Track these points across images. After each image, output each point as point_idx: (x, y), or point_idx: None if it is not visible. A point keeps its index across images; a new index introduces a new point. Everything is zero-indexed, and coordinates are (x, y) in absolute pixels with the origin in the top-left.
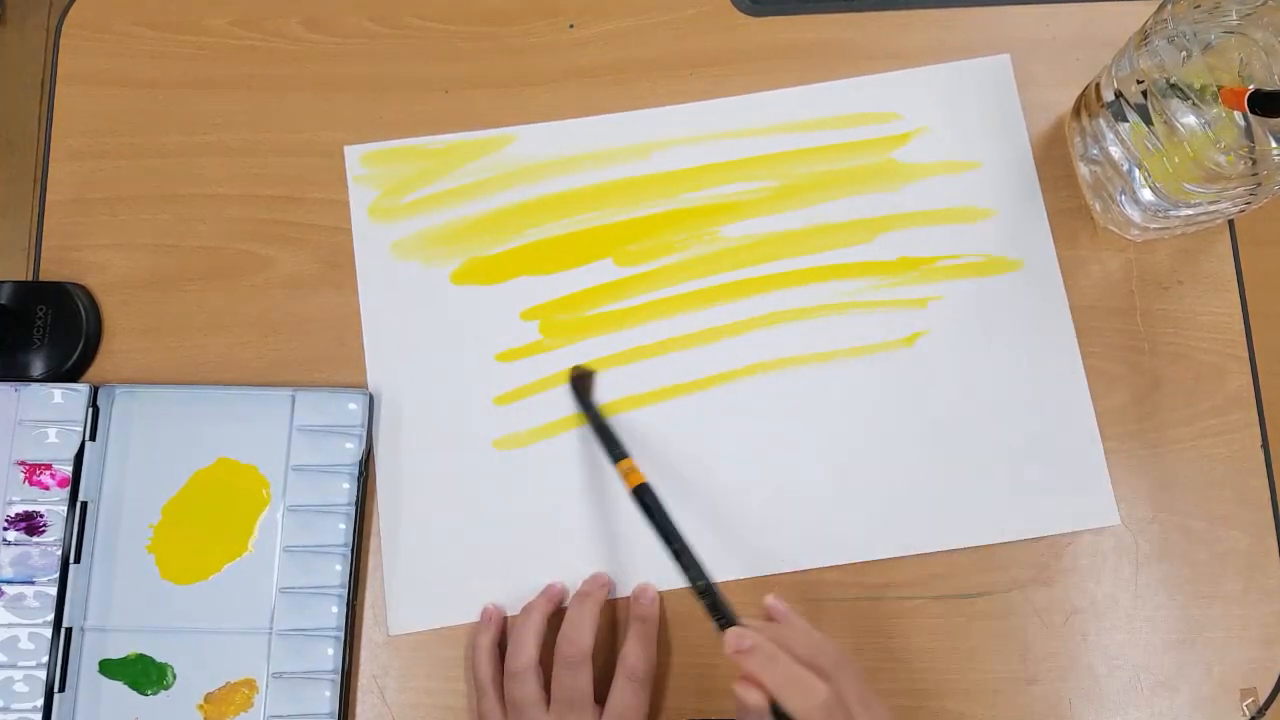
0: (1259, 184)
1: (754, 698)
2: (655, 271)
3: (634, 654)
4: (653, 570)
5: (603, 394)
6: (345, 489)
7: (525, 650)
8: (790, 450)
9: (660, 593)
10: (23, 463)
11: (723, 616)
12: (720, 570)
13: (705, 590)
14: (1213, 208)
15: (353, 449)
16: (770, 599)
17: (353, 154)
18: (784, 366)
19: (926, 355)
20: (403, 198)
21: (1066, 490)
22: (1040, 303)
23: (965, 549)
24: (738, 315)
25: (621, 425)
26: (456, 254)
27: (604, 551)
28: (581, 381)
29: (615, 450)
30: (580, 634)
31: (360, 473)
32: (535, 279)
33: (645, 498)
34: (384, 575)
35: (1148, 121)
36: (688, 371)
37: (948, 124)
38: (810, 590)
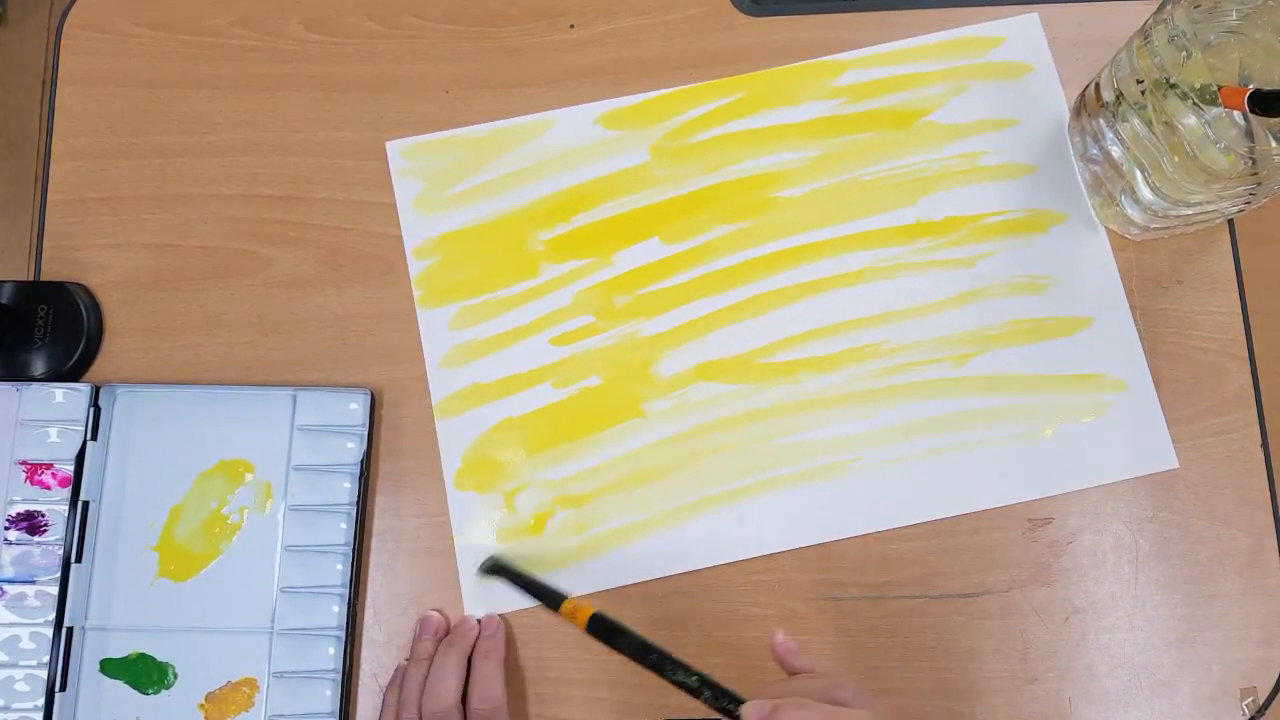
0: (1259, 184)
1: None
2: (702, 246)
3: (478, 695)
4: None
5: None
6: (346, 489)
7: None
8: (847, 415)
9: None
10: (24, 462)
11: (731, 701)
12: (780, 540)
13: (701, 686)
14: (1213, 207)
15: (354, 448)
16: (778, 637)
17: (394, 148)
18: (835, 333)
19: (978, 313)
20: (448, 189)
21: (1124, 437)
22: (1087, 252)
23: (965, 547)
24: (785, 284)
25: (676, 400)
26: (507, 245)
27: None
28: (494, 566)
29: (553, 598)
30: (447, 688)
31: (361, 472)
32: (585, 262)
33: (600, 626)
34: (456, 554)
35: (1148, 121)
36: (740, 343)
37: (981, 83)
38: (810, 590)
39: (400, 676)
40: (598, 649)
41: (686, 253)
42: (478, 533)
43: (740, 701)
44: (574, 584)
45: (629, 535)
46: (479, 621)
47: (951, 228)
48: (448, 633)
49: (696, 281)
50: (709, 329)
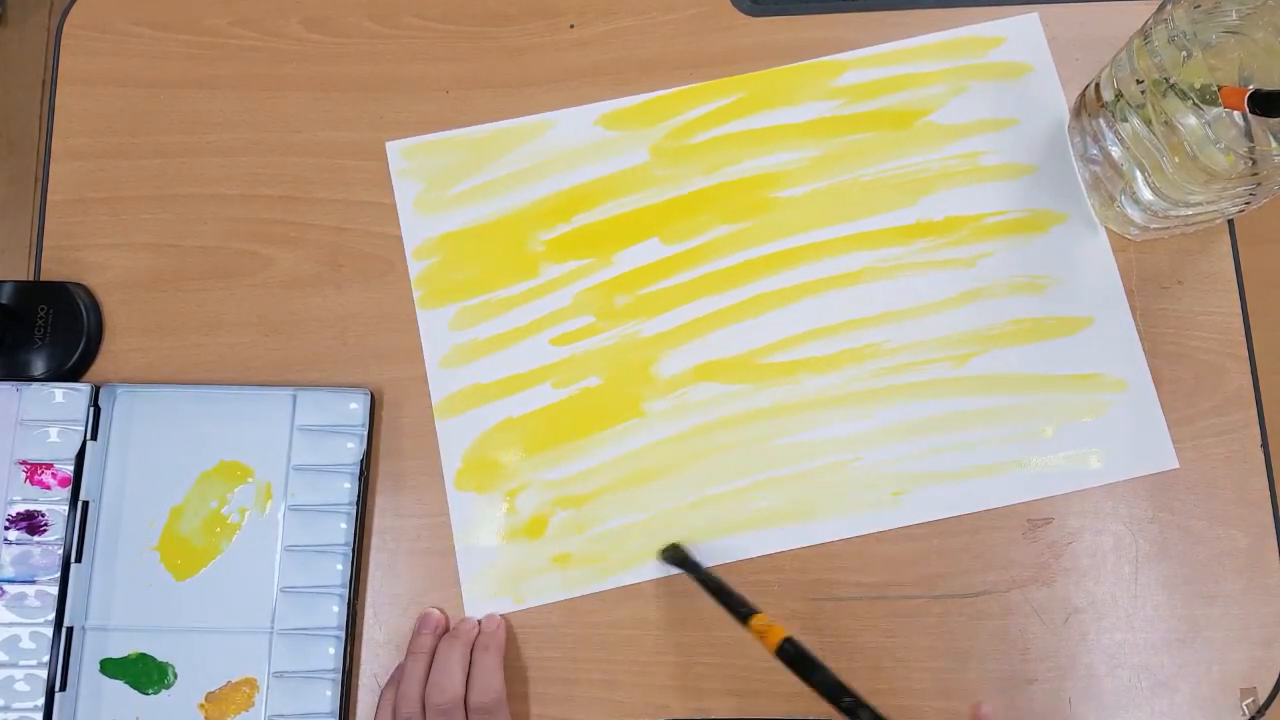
0: (1259, 184)
1: None
2: (702, 247)
3: (478, 688)
4: None
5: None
6: (346, 488)
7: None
8: (847, 415)
9: (656, 581)
10: (24, 462)
11: None
12: (785, 540)
13: None
14: (1213, 208)
15: (354, 448)
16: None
17: (394, 148)
18: (835, 333)
19: (978, 313)
20: (449, 190)
21: (1124, 437)
22: (1087, 252)
23: (965, 547)
24: (785, 284)
25: (676, 400)
26: (507, 245)
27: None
28: (677, 556)
29: (741, 610)
30: (452, 680)
31: (361, 472)
32: (585, 262)
33: (794, 653)
34: (457, 556)
35: (1148, 121)
36: (740, 343)
37: (982, 83)
38: (810, 590)
39: (399, 674)
40: (598, 649)
41: (686, 253)
42: (478, 533)
43: None
44: (575, 584)
45: (629, 535)
46: (479, 621)
47: (952, 228)
48: (447, 629)
49: (696, 282)
50: (709, 329)
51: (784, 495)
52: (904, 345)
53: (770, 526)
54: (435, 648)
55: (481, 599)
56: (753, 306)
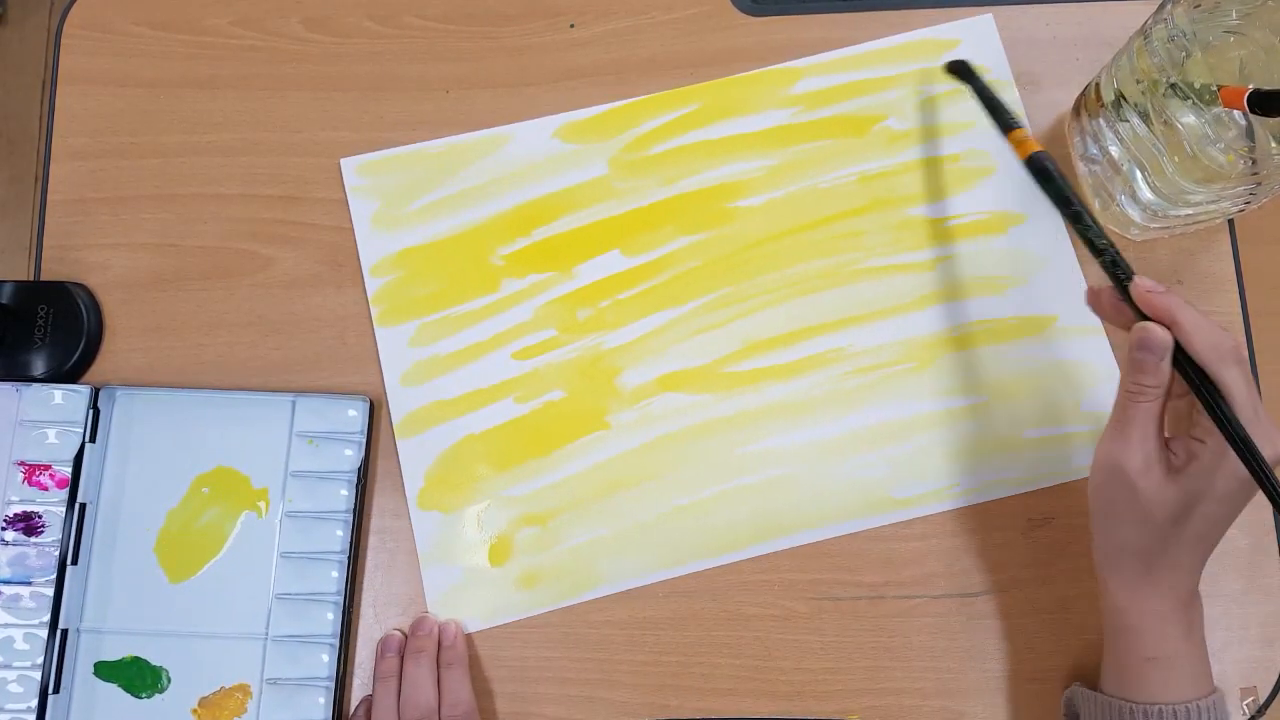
0: (1259, 184)
1: (1160, 335)
2: (663, 258)
3: (449, 703)
4: None
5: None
6: (343, 495)
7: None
8: (812, 421)
9: (662, 582)
10: (22, 463)
11: (1125, 274)
12: (757, 546)
13: (1104, 249)
14: (1213, 207)
15: (351, 456)
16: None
17: (349, 165)
18: (797, 339)
19: (939, 316)
20: (406, 206)
21: (1093, 434)
22: (1048, 252)
23: (965, 547)
24: (746, 294)
25: (641, 411)
26: (466, 260)
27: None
28: (958, 67)
29: (1006, 121)
30: (425, 695)
31: (359, 479)
32: (546, 276)
33: (1040, 165)
34: (420, 564)
35: (1148, 121)
36: (703, 353)
37: (938, 87)
38: (810, 590)
39: (366, 705)
40: (598, 649)
41: (647, 265)
42: (443, 553)
43: (1131, 276)
44: (543, 602)
45: (596, 551)
46: (437, 626)
47: (920, 231)
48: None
49: (658, 293)
50: (671, 340)
51: (749, 505)
52: (867, 349)
53: (738, 535)
54: (400, 669)
55: (448, 612)
56: (714, 316)
